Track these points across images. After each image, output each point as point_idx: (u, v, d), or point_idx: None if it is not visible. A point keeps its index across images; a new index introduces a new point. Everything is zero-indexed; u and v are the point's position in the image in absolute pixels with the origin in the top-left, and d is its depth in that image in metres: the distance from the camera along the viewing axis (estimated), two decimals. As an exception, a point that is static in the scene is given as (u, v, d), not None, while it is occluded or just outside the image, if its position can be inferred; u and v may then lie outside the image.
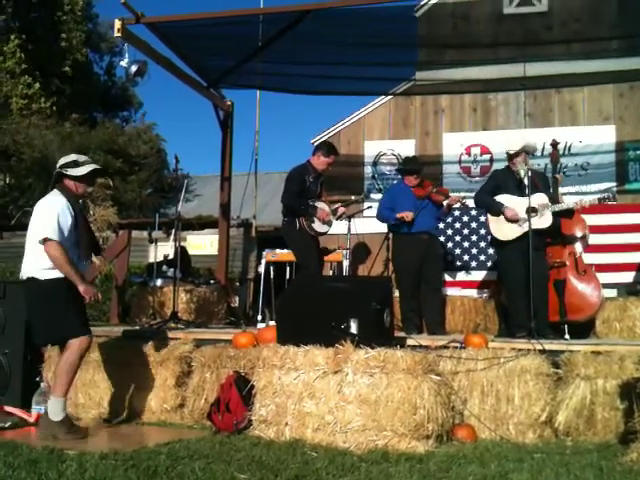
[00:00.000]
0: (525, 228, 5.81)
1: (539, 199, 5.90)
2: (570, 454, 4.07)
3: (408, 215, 6.57)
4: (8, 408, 5.11)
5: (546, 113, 9.00)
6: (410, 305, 6.65)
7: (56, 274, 4.52)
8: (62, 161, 4.78)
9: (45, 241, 4.46)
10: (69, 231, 4.56)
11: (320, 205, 6.60)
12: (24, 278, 4.64)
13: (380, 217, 6.93)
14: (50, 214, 4.52)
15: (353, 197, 7.70)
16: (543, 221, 5.91)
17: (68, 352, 4.55)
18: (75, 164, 4.73)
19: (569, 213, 6.15)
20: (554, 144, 6.81)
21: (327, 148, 6.72)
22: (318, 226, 6.53)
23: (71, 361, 4.54)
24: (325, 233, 6.68)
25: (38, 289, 4.56)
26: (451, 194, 6.98)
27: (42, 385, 5.12)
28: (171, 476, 3.39)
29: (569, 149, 8.69)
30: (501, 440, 4.46)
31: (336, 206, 6.84)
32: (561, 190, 6.73)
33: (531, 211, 5.75)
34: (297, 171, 6.66)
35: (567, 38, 7.97)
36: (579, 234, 6.61)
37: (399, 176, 7.29)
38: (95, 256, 5.06)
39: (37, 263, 4.54)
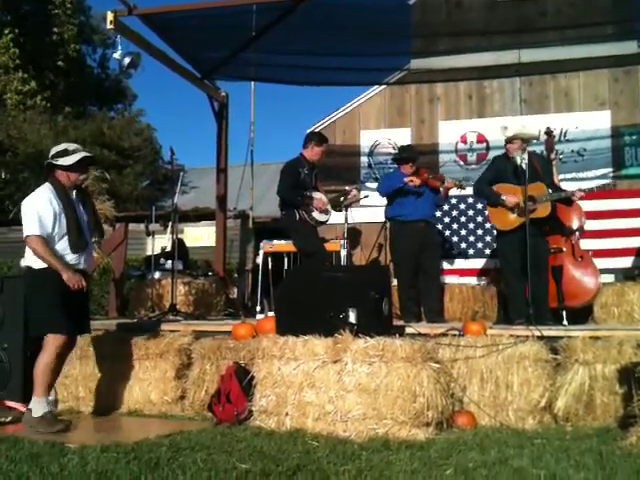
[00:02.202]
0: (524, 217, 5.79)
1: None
2: (570, 439, 4.09)
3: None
4: (9, 402, 5.12)
5: (542, 99, 8.98)
6: (408, 293, 6.65)
7: (44, 264, 4.57)
8: (53, 151, 4.79)
9: (27, 237, 4.54)
10: (53, 222, 4.59)
11: (316, 195, 6.60)
12: (23, 266, 4.73)
13: (383, 189, 6.87)
14: (30, 211, 4.57)
15: (347, 187, 7.69)
16: (542, 210, 5.90)
17: (43, 351, 4.56)
18: (65, 153, 4.73)
19: (567, 201, 6.12)
20: (548, 132, 6.79)
21: (318, 137, 6.77)
22: (317, 215, 6.54)
23: (45, 362, 4.53)
24: (325, 222, 6.70)
25: (31, 277, 4.65)
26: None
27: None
28: (173, 467, 3.40)
29: (565, 135, 8.69)
30: (501, 426, 4.48)
31: (349, 188, 6.93)
32: (556, 175, 6.74)
33: (528, 200, 5.74)
34: (291, 164, 6.68)
35: (562, 24, 7.95)
36: (576, 221, 6.61)
37: (395, 165, 7.28)
38: (99, 237, 5.10)
39: (31, 254, 4.62)
